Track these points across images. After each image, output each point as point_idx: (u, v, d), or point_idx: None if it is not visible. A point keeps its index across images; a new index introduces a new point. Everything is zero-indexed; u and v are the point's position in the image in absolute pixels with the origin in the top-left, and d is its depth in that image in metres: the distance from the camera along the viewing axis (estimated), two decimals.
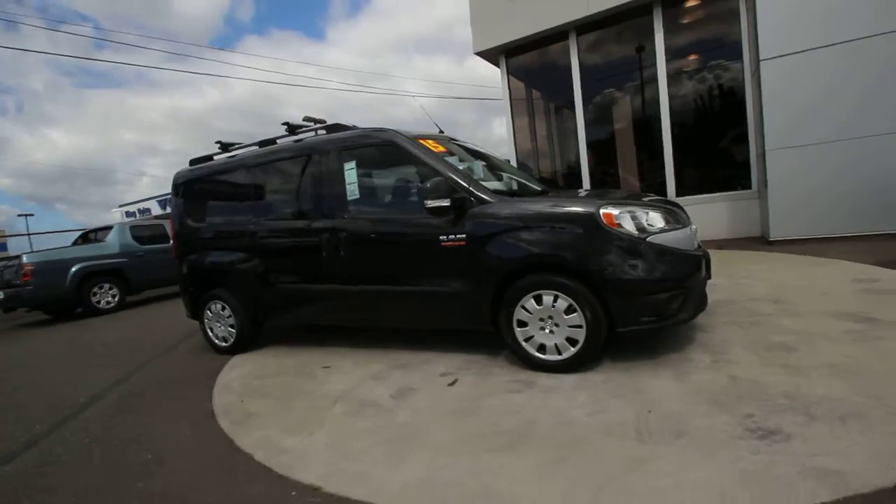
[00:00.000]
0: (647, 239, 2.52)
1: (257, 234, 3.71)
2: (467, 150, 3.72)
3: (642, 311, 2.50)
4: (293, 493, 1.85)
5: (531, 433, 2.06)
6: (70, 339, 6.21)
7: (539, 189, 3.71)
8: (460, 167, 3.04)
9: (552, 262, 2.61)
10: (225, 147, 4.07)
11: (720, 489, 1.53)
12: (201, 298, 4.11)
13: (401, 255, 3.11)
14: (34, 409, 3.31)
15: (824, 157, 5.45)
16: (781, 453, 1.67)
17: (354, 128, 3.48)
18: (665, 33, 7.08)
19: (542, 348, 2.69)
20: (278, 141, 3.81)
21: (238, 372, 3.54)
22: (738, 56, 6.73)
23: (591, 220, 2.53)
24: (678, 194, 7.22)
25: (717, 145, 7.24)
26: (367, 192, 3.33)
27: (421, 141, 3.14)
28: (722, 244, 6.37)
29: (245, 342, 4.02)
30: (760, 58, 5.66)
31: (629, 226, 2.53)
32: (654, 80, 7.25)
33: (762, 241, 6.17)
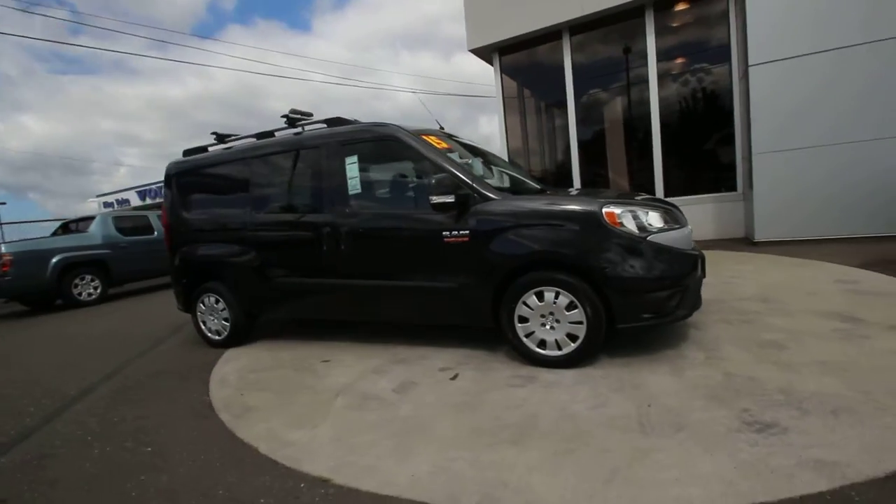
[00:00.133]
0: (648, 238, 2.59)
1: (255, 226, 3.67)
2: (466, 146, 3.74)
3: (642, 308, 2.56)
4: (302, 486, 1.85)
5: (535, 426, 2.10)
6: (53, 331, 6.05)
7: (537, 187, 3.75)
8: (462, 164, 3.06)
9: (555, 259, 2.65)
10: (221, 138, 4.01)
11: (723, 479, 1.59)
12: (194, 291, 4.06)
13: (402, 250, 3.12)
14: (22, 402, 3.23)
15: (809, 162, 5.62)
16: (779, 445, 1.74)
17: (356, 122, 3.47)
18: (657, 36, 7.18)
19: (542, 344, 2.74)
20: (277, 134, 3.77)
21: (233, 365, 3.51)
22: (727, 60, 6.88)
23: (593, 219, 2.58)
24: (666, 195, 7.36)
25: (705, 147, 7.39)
26: (368, 186, 3.33)
27: (423, 137, 3.14)
28: (708, 244, 6.52)
29: (239, 336, 3.99)
30: (749, 63, 5.81)
31: (630, 225, 2.59)
32: (645, 81, 7.35)
33: (747, 242, 6.35)
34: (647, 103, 7.39)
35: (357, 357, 3.34)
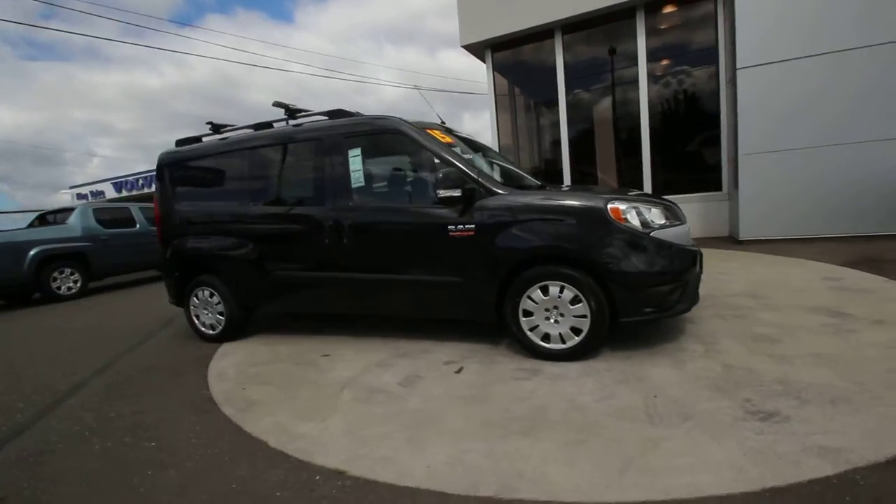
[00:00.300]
0: (651, 234, 2.64)
1: (253, 219, 3.62)
2: (466, 141, 3.74)
3: (645, 303, 2.62)
4: (317, 478, 1.85)
5: (545, 418, 2.13)
6: (33, 325, 5.84)
7: (537, 183, 3.79)
8: (467, 158, 3.07)
9: (560, 253, 2.69)
10: (217, 128, 3.93)
11: (733, 466, 1.65)
12: (188, 284, 3.97)
13: (406, 243, 3.11)
14: (9, 398, 3.12)
15: (794, 164, 5.81)
16: (783, 433, 1.81)
17: (357, 114, 3.44)
18: (647, 37, 7.30)
19: (546, 337, 2.78)
20: (275, 125, 3.71)
21: (231, 360, 3.46)
22: (715, 63, 7.04)
23: (599, 215, 2.62)
24: (654, 193, 7.51)
25: (692, 148, 7.56)
26: (372, 179, 3.31)
27: (427, 131, 3.14)
28: (694, 243, 6.68)
29: (234, 330, 3.93)
30: (737, 66, 5.96)
31: (634, 221, 2.64)
32: (636, 81, 7.48)
33: (732, 241, 6.53)
34: (636, 103, 7.51)
35: (358, 351, 3.33)
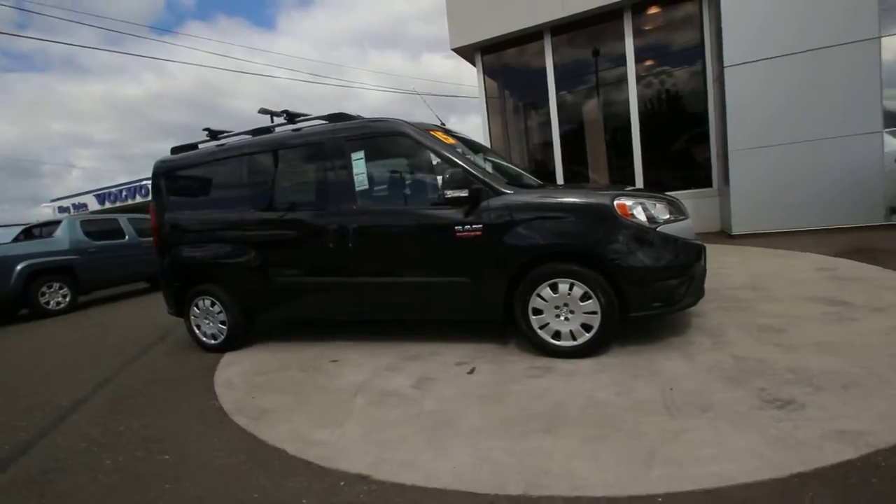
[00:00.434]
0: (657, 229, 2.68)
1: (255, 225, 3.57)
2: (466, 143, 3.76)
3: (654, 297, 2.65)
4: (342, 483, 1.83)
5: (564, 414, 2.14)
6: (24, 341, 5.70)
7: (539, 182, 3.81)
8: (472, 159, 3.08)
9: (569, 250, 2.71)
10: (214, 135, 3.88)
11: (757, 454, 1.67)
12: (188, 294, 3.91)
13: (413, 245, 3.10)
14: (7, 416, 3.03)
15: (783, 158, 5.95)
16: (801, 420, 1.84)
17: (358, 117, 3.43)
18: (634, 37, 7.42)
19: (556, 335, 2.79)
20: (275, 130, 3.68)
21: (236, 369, 3.41)
22: (702, 62, 7.18)
23: (606, 211, 2.65)
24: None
25: (681, 146, 7.68)
26: (376, 182, 3.30)
27: (430, 132, 3.15)
28: (697, 237, 6.78)
29: (236, 339, 3.87)
30: (725, 65, 6.08)
31: (641, 216, 2.68)
32: (624, 81, 7.58)
33: (725, 236, 6.64)
34: (626, 102, 7.62)
35: (365, 356, 3.30)
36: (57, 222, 8.04)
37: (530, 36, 8.01)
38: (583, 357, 2.74)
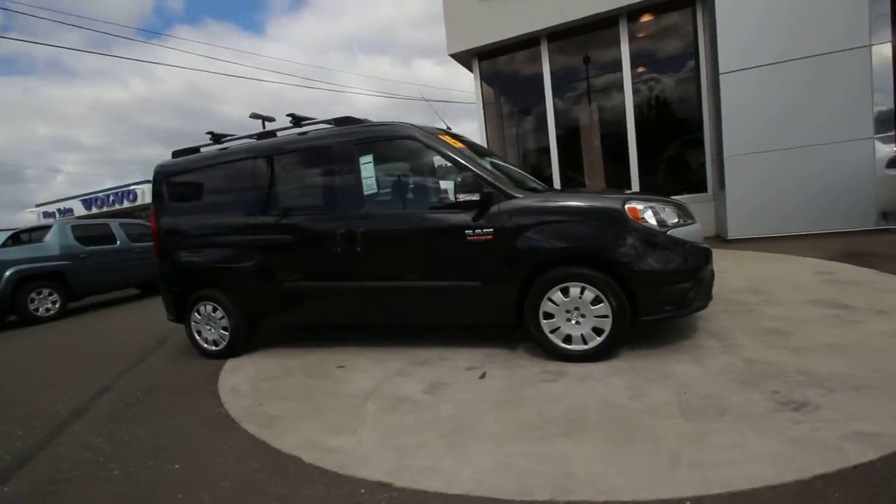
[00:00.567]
0: (667, 233, 2.70)
1: (260, 229, 3.53)
2: (473, 147, 3.76)
3: (664, 301, 2.67)
4: (362, 491, 1.80)
5: (582, 418, 2.14)
6: (15, 349, 5.55)
7: (544, 186, 3.83)
8: (482, 163, 3.08)
9: (580, 254, 2.72)
10: (217, 138, 3.84)
11: (780, 456, 1.68)
12: (188, 300, 3.85)
13: (423, 249, 3.09)
14: (6, 426, 2.94)
15: (778, 164, 6.05)
16: (819, 421, 1.86)
17: (365, 121, 3.42)
18: (630, 44, 7.52)
19: (567, 339, 2.79)
20: (279, 134, 3.65)
21: (241, 375, 3.36)
22: (697, 69, 7.29)
23: (618, 215, 2.67)
24: None
25: (676, 151, 7.79)
26: (385, 186, 3.28)
27: (439, 136, 3.14)
28: (705, 241, 6.86)
29: (238, 345, 3.82)
30: (720, 71, 6.19)
31: (651, 220, 2.70)
32: (620, 87, 7.67)
33: (720, 240, 6.72)
34: (622, 108, 7.70)
35: (372, 361, 3.27)
36: (46, 227, 7.88)
37: (527, 42, 8.07)
38: (594, 361, 2.75)
